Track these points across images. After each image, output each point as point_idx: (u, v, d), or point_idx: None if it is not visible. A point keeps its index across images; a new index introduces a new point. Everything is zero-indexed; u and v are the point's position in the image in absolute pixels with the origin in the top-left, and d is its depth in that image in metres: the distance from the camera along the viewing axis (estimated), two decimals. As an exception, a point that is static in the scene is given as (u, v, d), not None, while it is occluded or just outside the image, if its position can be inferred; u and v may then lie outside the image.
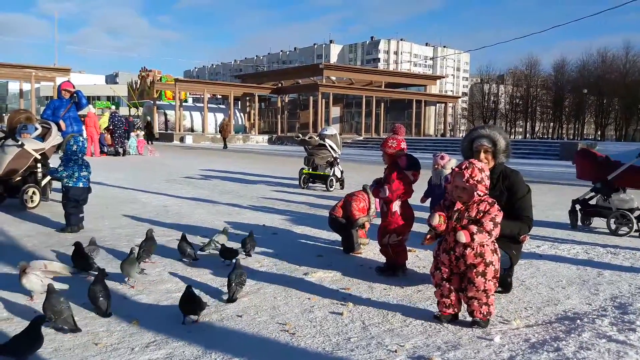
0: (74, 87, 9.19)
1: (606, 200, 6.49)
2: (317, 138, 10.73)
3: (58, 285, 3.30)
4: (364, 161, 20.92)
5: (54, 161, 7.15)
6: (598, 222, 6.80)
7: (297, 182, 10.94)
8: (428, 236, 3.32)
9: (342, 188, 10.51)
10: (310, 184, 10.80)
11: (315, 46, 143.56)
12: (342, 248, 5.23)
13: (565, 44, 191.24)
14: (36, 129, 7.33)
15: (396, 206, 4.37)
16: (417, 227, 4.69)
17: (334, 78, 46.44)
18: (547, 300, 3.79)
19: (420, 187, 5.08)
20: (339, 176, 10.68)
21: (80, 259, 4.08)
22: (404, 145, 4.47)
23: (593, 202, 6.81)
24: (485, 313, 3.16)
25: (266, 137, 42.86)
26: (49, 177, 7.47)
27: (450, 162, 6.06)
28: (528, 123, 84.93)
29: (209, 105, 43.77)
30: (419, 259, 4.90)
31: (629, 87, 69.89)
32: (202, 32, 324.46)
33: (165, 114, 42.84)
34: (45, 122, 7.87)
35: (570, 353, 2.78)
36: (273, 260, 4.74)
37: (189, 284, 3.35)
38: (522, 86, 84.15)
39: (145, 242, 4.50)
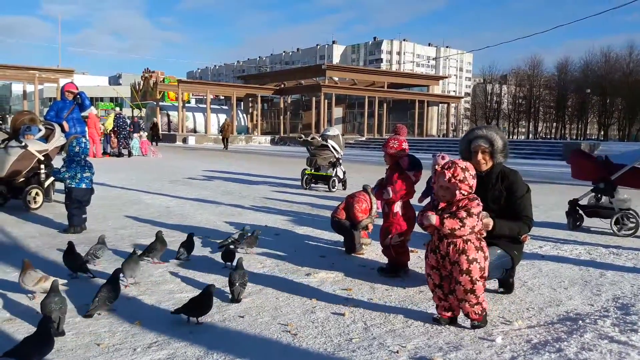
0: (77, 89, 9.25)
1: (610, 201, 6.47)
2: (319, 139, 10.72)
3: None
4: (367, 162, 20.91)
5: (58, 162, 7.18)
6: (588, 223, 6.75)
7: (299, 183, 10.95)
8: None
9: (344, 189, 10.52)
10: (312, 185, 10.80)
11: (318, 47, 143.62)
12: (344, 249, 5.24)
13: (569, 43, 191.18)
14: (40, 130, 7.37)
15: (398, 207, 4.38)
16: (418, 227, 4.67)
17: (336, 79, 46.42)
18: (549, 301, 3.78)
19: (420, 187, 5.08)
20: (342, 177, 10.68)
21: (71, 259, 4.06)
22: (405, 145, 4.48)
23: (584, 202, 6.77)
24: (479, 312, 3.15)
25: (269, 137, 42.83)
26: (52, 178, 7.49)
27: None
28: (531, 123, 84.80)
29: (212, 106, 43.82)
30: (421, 260, 4.86)
31: (633, 87, 69.65)
32: (205, 33, 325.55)
33: (168, 115, 42.88)
34: (49, 123, 7.93)
35: (572, 354, 2.78)
36: (275, 261, 4.75)
37: (210, 289, 3.26)
38: (525, 86, 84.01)
39: (156, 243, 4.52)
